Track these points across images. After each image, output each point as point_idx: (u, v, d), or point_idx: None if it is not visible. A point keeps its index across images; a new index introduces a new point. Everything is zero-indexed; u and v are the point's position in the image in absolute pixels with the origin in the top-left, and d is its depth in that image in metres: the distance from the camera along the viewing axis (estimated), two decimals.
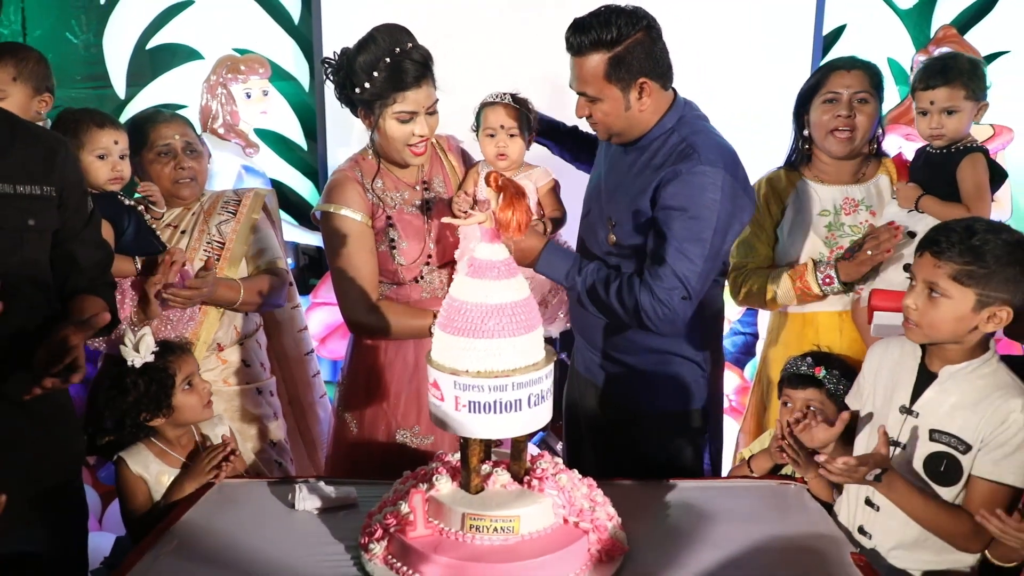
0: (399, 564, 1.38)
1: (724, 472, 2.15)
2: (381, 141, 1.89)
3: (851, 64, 2.06)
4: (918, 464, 1.49)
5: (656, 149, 1.78)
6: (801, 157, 2.15)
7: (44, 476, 1.52)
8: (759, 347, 3.18)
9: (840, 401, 1.77)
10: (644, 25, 1.72)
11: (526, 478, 1.46)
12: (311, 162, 3.41)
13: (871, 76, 2.04)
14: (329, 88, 3.17)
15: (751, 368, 3.26)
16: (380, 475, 1.87)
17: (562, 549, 1.36)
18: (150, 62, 3.30)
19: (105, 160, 1.88)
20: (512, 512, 1.37)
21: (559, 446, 2.46)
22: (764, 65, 3.21)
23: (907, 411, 1.51)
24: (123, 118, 3.31)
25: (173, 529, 1.55)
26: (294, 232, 3.24)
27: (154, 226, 1.99)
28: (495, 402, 1.36)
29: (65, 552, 1.59)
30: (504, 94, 1.96)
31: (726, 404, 3.09)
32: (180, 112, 3.24)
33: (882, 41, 3.38)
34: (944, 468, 1.46)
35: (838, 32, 3.38)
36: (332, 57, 1.87)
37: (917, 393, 1.51)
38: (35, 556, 1.50)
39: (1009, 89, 3.19)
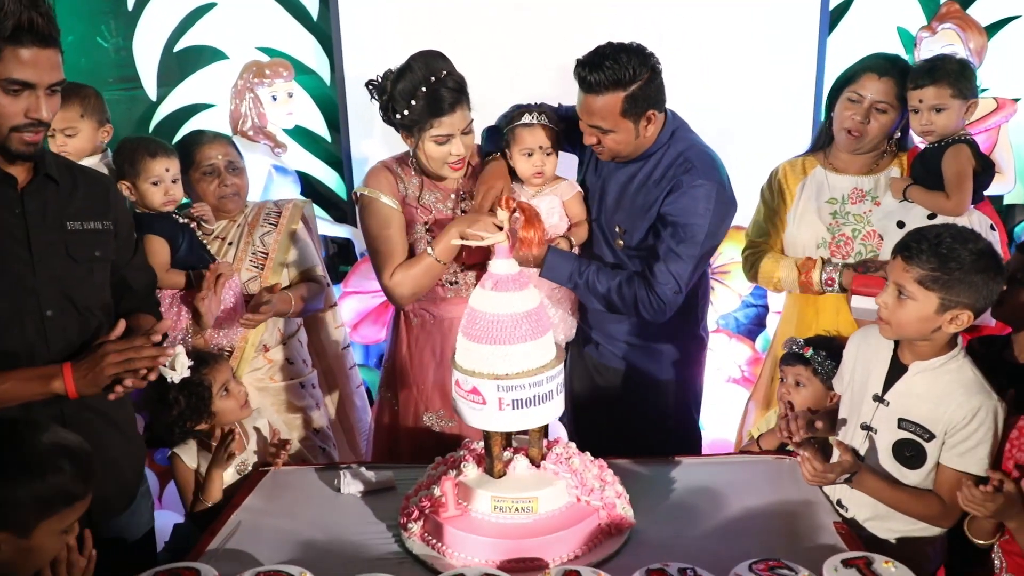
0: (434, 541, 1.58)
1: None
2: (422, 158, 2.05)
3: (886, 70, 2.09)
4: (887, 449, 1.65)
5: (655, 162, 1.98)
6: (825, 140, 2.25)
7: (123, 474, 1.74)
8: (769, 320, 3.34)
9: (825, 378, 1.96)
10: (652, 64, 1.87)
11: (543, 463, 1.65)
12: (336, 152, 3.54)
13: (901, 87, 2.07)
14: (350, 80, 3.42)
15: (762, 340, 3.41)
16: (413, 454, 2.09)
17: (575, 525, 1.56)
18: (178, 64, 3.43)
19: (159, 186, 2.07)
20: (531, 494, 1.56)
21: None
22: (769, 35, 3.24)
23: (879, 399, 1.66)
24: (156, 119, 3.49)
25: (236, 514, 1.76)
26: (322, 224, 3.40)
27: (204, 241, 2.18)
28: (535, 396, 1.58)
29: (140, 537, 1.80)
30: (539, 114, 2.02)
31: (738, 374, 3.28)
32: (209, 110, 3.44)
33: (893, 11, 3.40)
34: (910, 453, 1.62)
35: (848, 2, 3.41)
36: (376, 79, 2.01)
37: (889, 383, 1.66)
38: (118, 542, 1.71)
39: (1021, 56, 3.22)
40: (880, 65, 2.11)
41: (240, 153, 2.29)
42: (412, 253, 2.10)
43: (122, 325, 1.57)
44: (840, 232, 2.19)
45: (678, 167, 1.95)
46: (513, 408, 1.56)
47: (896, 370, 1.66)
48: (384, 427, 2.26)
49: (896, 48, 3.41)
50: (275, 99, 3.06)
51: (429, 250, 2.01)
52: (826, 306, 2.23)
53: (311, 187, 3.52)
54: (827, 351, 1.98)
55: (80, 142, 2.30)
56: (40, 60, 1.45)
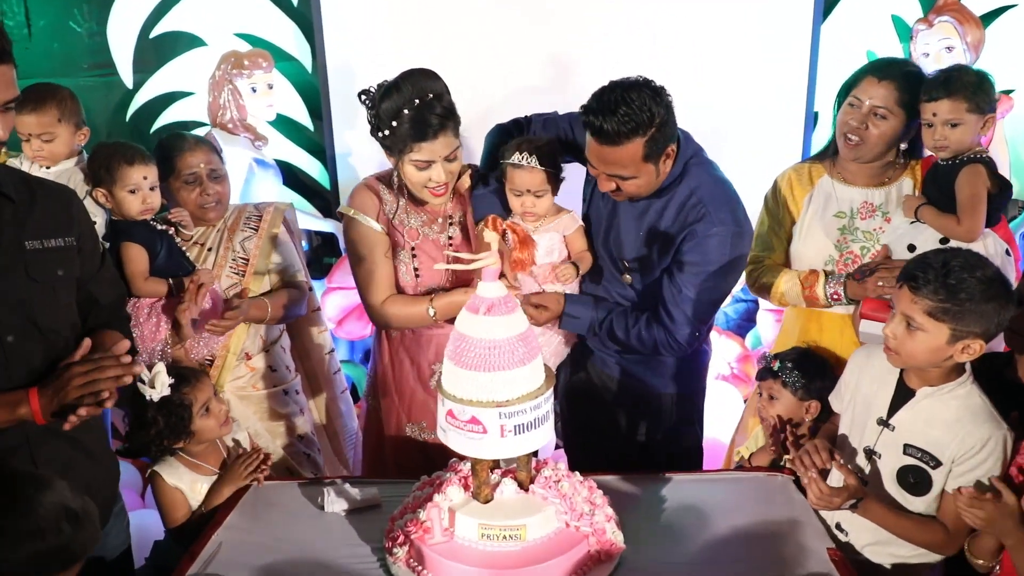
0: (420, 568, 1.55)
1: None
2: (404, 179, 1.97)
3: (886, 73, 1.98)
4: (891, 474, 1.62)
5: (667, 201, 1.91)
6: (833, 148, 2.12)
7: (95, 497, 1.67)
8: (759, 317, 3.31)
9: (794, 389, 1.95)
10: (666, 100, 1.78)
11: (531, 487, 1.62)
12: (319, 141, 3.47)
13: (903, 91, 1.95)
14: (332, 68, 3.33)
15: (752, 337, 3.39)
16: (398, 464, 2.06)
17: (564, 553, 1.53)
18: (155, 50, 3.34)
19: (136, 194, 2.00)
20: (519, 521, 1.53)
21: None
22: (762, 25, 3.18)
23: (884, 423, 1.63)
24: (133, 106, 3.40)
25: (217, 534, 1.72)
26: (306, 219, 3.33)
27: (184, 247, 2.11)
28: (534, 419, 1.54)
29: (116, 558, 1.76)
30: (529, 154, 1.91)
31: (727, 371, 3.26)
32: (188, 98, 3.34)
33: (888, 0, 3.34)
34: (915, 480, 1.59)
35: None
36: (369, 90, 1.93)
37: (894, 407, 1.62)
38: (93, 564, 1.66)
39: (1018, 46, 3.17)
40: (881, 69, 2.01)
41: (222, 158, 2.22)
42: (397, 287, 2.04)
43: (87, 344, 1.50)
44: (848, 249, 2.09)
45: (691, 211, 1.88)
46: (515, 434, 1.52)
47: (902, 394, 1.62)
48: (371, 435, 2.23)
49: (891, 38, 3.36)
50: (255, 91, 2.97)
51: (431, 310, 1.97)
52: (831, 323, 2.14)
53: (294, 178, 3.45)
54: (793, 363, 1.97)
55: (57, 147, 2.23)
56: None
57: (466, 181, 2.01)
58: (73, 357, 1.50)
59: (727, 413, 3.10)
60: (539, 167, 1.92)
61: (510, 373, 1.49)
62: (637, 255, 1.98)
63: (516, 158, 1.93)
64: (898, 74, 1.98)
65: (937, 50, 3.14)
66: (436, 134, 1.85)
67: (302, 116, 3.44)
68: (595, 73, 3.20)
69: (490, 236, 1.47)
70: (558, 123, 2.09)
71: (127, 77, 3.38)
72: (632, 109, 1.72)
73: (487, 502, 1.59)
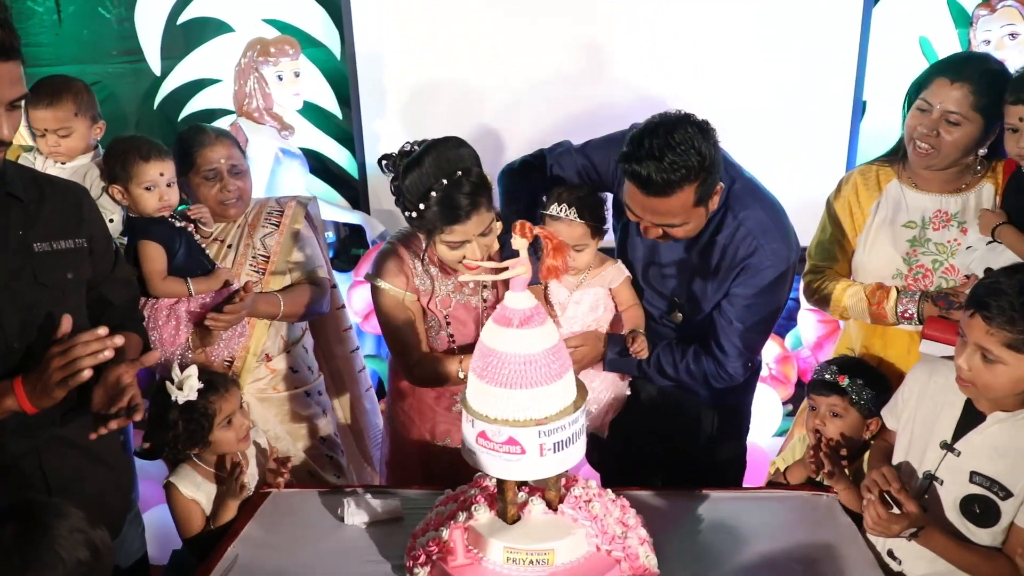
0: None
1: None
2: (436, 254, 1.84)
3: (960, 74, 1.78)
4: (954, 503, 1.50)
5: (713, 234, 1.78)
6: (903, 149, 1.94)
7: (106, 510, 1.63)
8: (800, 316, 3.17)
9: (864, 408, 1.80)
10: (711, 135, 1.63)
11: (560, 506, 1.52)
12: (347, 129, 3.40)
13: (980, 95, 1.77)
14: (361, 54, 3.25)
15: (792, 337, 3.25)
16: (424, 473, 1.98)
17: None
18: (183, 36, 3.29)
19: (152, 191, 1.92)
20: (547, 545, 1.44)
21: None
22: (810, 11, 3.03)
23: (948, 447, 1.51)
24: (160, 94, 3.36)
25: (233, 546, 1.67)
26: (334, 210, 3.26)
27: (203, 244, 2.04)
28: (572, 435, 1.44)
29: (131, 565, 1.72)
30: (567, 208, 1.78)
31: (766, 372, 3.13)
32: (215, 85, 3.29)
33: None
34: (980, 510, 1.47)
35: None
36: (391, 156, 1.79)
37: (961, 431, 1.50)
38: None
39: None
40: (954, 68, 1.81)
41: (244, 152, 2.14)
42: (430, 346, 1.96)
43: (67, 322, 1.40)
44: (918, 263, 1.91)
45: (741, 244, 1.76)
46: (555, 452, 1.42)
47: (970, 417, 1.50)
48: (393, 442, 2.15)
49: (947, 24, 3.17)
50: (281, 79, 2.90)
51: (461, 373, 1.87)
52: (897, 339, 1.98)
53: (322, 166, 3.40)
54: (863, 379, 1.82)
55: (74, 141, 2.17)
56: None
57: (496, 243, 1.85)
58: (56, 336, 1.41)
59: (764, 415, 3.01)
60: (579, 220, 1.79)
61: (548, 388, 1.39)
62: (685, 293, 1.88)
63: (555, 210, 1.81)
64: (975, 75, 1.79)
65: (999, 37, 2.95)
66: (469, 214, 1.70)
67: (330, 103, 3.37)
68: (630, 62, 3.17)
69: (519, 243, 1.37)
70: (575, 157, 1.93)
71: (155, 64, 3.34)
72: (679, 155, 1.57)
73: (514, 522, 1.50)
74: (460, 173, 1.68)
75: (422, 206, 1.69)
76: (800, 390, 3.28)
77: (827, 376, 1.86)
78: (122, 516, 1.69)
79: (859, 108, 3.20)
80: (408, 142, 1.77)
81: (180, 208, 2.06)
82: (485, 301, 1.94)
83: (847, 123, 3.22)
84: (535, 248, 1.45)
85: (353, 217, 3.26)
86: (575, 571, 1.45)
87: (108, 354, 1.38)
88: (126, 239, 1.99)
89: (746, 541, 1.65)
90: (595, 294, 1.91)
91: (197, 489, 1.80)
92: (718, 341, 1.85)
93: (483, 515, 1.51)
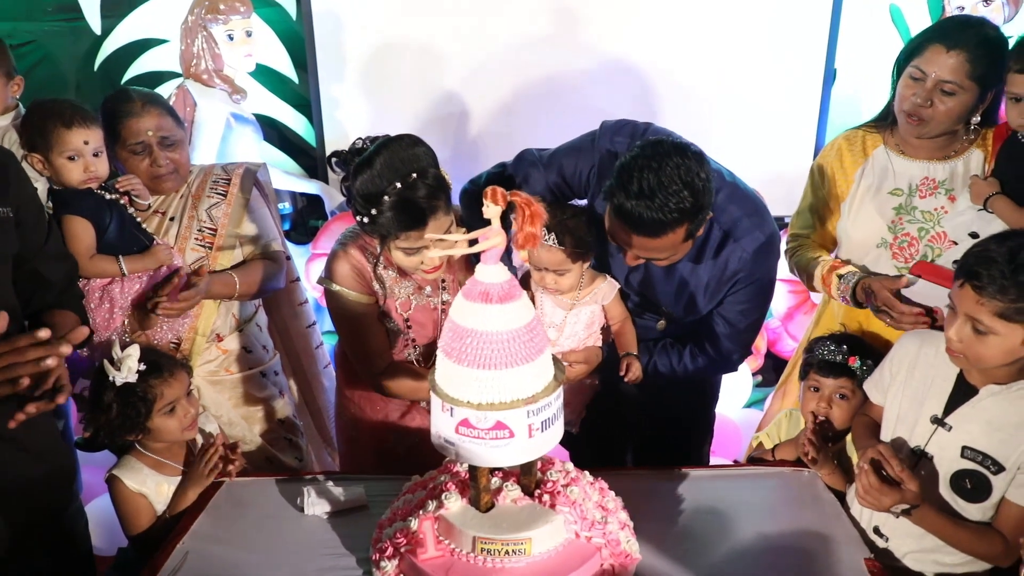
0: None
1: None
2: (392, 259, 1.71)
3: (956, 41, 1.69)
4: (944, 478, 1.45)
5: (699, 248, 1.69)
6: (892, 116, 1.87)
7: (40, 505, 1.50)
8: (778, 289, 3.11)
9: None
10: (707, 166, 1.52)
11: (536, 492, 1.43)
12: (304, 94, 3.23)
13: (975, 64, 1.68)
14: (318, 14, 3.07)
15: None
16: (377, 453, 1.87)
17: (575, 570, 1.35)
18: None
19: (76, 161, 1.73)
20: (523, 535, 1.34)
21: None
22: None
23: (939, 422, 1.45)
24: (101, 55, 3.14)
25: (183, 543, 1.54)
26: (291, 180, 3.10)
27: (139, 218, 1.86)
28: (556, 411, 1.36)
29: (70, 573, 1.59)
30: (546, 233, 1.65)
31: None
32: (162, 46, 3.07)
33: None
34: (972, 485, 1.42)
35: None
36: (341, 153, 1.63)
37: (952, 405, 1.45)
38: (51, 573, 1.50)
39: None
40: (949, 35, 1.71)
41: (179, 120, 1.94)
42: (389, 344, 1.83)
43: (2, 321, 1.25)
44: (903, 231, 1.85)
45: (732, 257, 1.69)
46: (542, 431, 1.33)
47: (962, 391, 1.44)
48: (346, 432, 2.03)
49: None
50: (231, 38, 2.71)
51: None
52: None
53: (277, 134, 3.23)
54: (872, 358, 1.74)
55: None
56: None
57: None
58: None
59: (734, 387, 2.99)
60: (558, 247, 1.68)
61: (534, 365, 1.29)
62: (675, 306, 1.80)
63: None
64: (971, 42, 1.70)
65: (973, 3, 2.90)
66: (425, 220, 1.56)
67: (286, 67, 3.19)
68: (599, 27, 3.04)
69: (492, 211, 1.25)
70: (543, 172, 1.77)
71: (95, 22, 3.12)
72: (672, 194, 1.45)
73: (488, 510, 1.40)
74: (415, 175, 1.54)
75: (374, 211, 1.54)
76: (770, 360, 3.26)
77: (837, 358, 1.78)
78: (61, 510, 1.55)
79: (830, 76, 3.14)
80: (360, 138, 1.62)
81: (111, 180, 1.86)
82: (444, 303, 1.81)
83: (818, 91, 3.16)
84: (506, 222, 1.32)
85: (311, 187, 3.10)
86: (554, 561, 1.36)
87: (51, 363, 1.25)
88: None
89: (729, 520, 1.58)
90: (591, 312, 1.82)
91: (144, 482, 1.66)
92: (715, 343, 1.80)
93: (454, 503, 1.41)
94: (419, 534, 1.37)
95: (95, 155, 1.75)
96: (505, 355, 1.27)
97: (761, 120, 3.13)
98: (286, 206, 3.20)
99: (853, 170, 1.91)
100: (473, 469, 1.38)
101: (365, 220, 1.57)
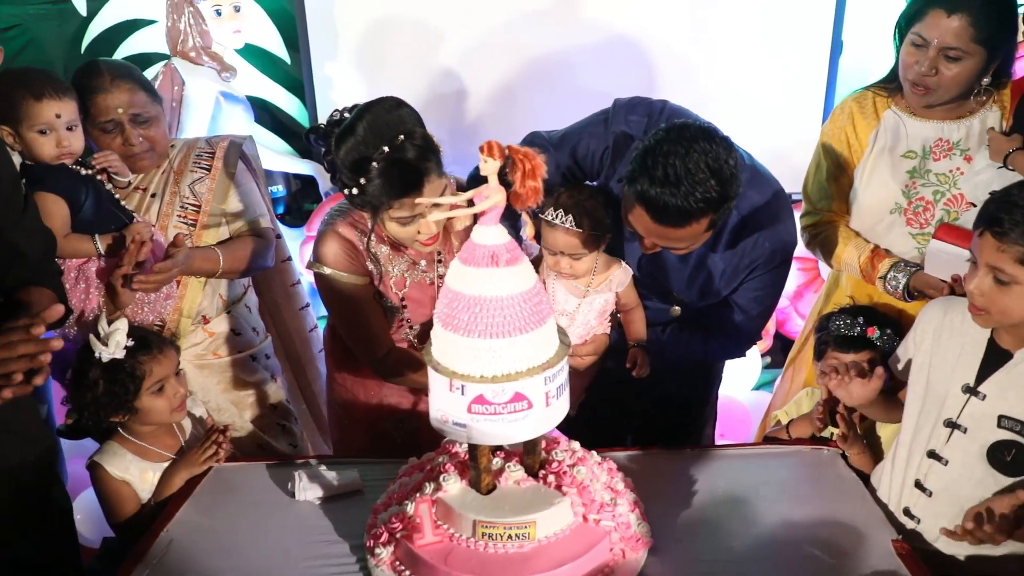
0: (408, 573, 1.29)
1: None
2: (386, 233, 1.62)
3: (956, 5, 1.60)
4: (980, 451, 1.35)
5: (718, 229, 1.57)
6: (897, 79, 1.77)
7: (20, 488, 1.42)
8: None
9: None
10: (735, 152, 1.42)
11: (541, 472, 1.35)
12: (296, 75, 3.14)
13: (979, 26, 1.59)
14: None
15: None
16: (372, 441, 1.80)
17: (583, 556, 1.26)
18: None
19: (48, 135, 1.63)
20: (527, 518, 1.26)
21: None
22: None
23: (971, 391, 1.36)
24: (87, 37, 3.05)
25: (167, 530, 1.46)
26: (283, 160, 3.02)
27: (118, 195, 1.76)
28: (567, 376, 1.29)
29: (54, 559, 1.51)
30: (564, 215, 1.59)
31: None
32: (150, 27, 2.98)
33: None
34: (1012, 457, 1.32)
35: None
36: (318, 127, 1.53)
37: (984, 372, 1.35)
38: (23, 567, 1.42)
39: None
40: None
41: (153, 94, 1.83)
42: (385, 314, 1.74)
43: None
44: (918, 195, 1.76)
45: (750, 246, 1.61)
46: (556, 397, 1.26)
47: (995, 357, 1.34)
48: (337, 417, 1.94)
49: None
50: (219, 14, 2.62)
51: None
52: None
53: (269, 115, 3.13)
54: (891, 327, 1.65)
55: None
56: None
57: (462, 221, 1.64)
58: None
59: (743, 369, 2.91)
60: (576, 229, 1.60)
61: (546, 328, 1.22)
62: (688, 291, 1.72)
63: (551, 215, 1.60)
64: (974, 4, 1.60)
65: None
66: (419, 184, 1.46)
67: (277, 47, 3.09)
68: (600, 1, 2.95)
69: (490, 167, 1.16)
70: (553, 155, 1.65)
71: (80, 3, 3.02)
72: (698, 183, 1.36)
73: (489, 492, 1.31)
74: (402, 137, 1.44)
75: (363, 180, 1.44)
76: (779, 342, 3.17)
77: (855, 331, 1.68)
78: (43, 492, 1.48)
79: (838, 48, 3.04)
80: (337, 109, 1.52)
81: (88, 156, 1.76)
82: (441, 277, 1.72)
83: (824, 65, 3.06)
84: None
85: (304, 167, 3.01)
86: (559, 545, 1.27)
87: (45, 359, 1.18)
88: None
89: (745, 502, 1.49)
90: (604, 300, 1.74)
91: (127, 469, 1.58)
92: (727, 329, 1.73)
93: (453, 485, 1.32)
94: (416, 518, 1.29)
95: (68, 129, 1.65)
96: (519, 320, 1.19)
97: (766, 96, 3.03)
98: (280, 189, 3.11)
99: (866, 134, 1.82)
100: (473, 448, 1.29)
101: (354, 192, 1.47)
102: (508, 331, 1.19)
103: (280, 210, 3.13)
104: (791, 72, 3.02)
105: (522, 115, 2.91)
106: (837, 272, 2.00)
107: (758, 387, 3.08)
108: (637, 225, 1.49)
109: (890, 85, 1.82)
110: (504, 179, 1.19)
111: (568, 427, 2.05)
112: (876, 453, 1.62)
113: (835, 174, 1.87)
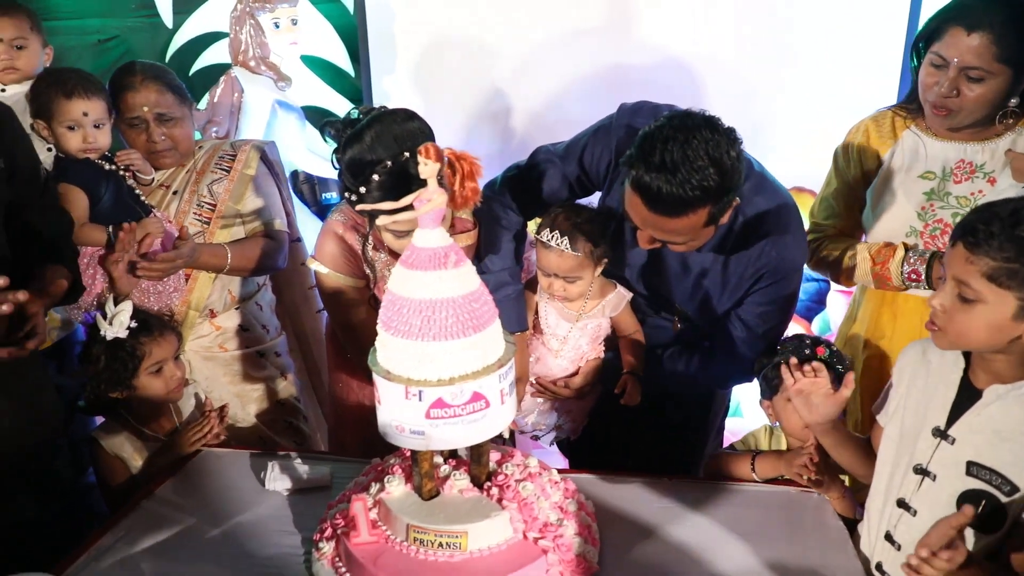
0: (344, 570, 1.30)
1: None
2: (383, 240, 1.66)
3: (976, 22, 1.50)
4: (949, 500, 1.22)
5: (721, 234, 1.54)
6: (917, 101, 1.68)
7: (25, 448, 1.52)
8: (830, 299, 2.87)
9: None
10: (738, 145, 1.37)
11: (486, 484, 1.33)
12: (357, 86, 3.25)
13: (1002, 44, 1.50)
14: (371, 7, 3.09)
15: (821, 321, 2.94)
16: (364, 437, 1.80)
17: (514, 572, 1.23)
18: None
19: (75, 131, 1.77)
20: (459, 528, 1.24)
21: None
22: None
23: (941, 434, 1.24)
24: (171, 48, 3.28)
25: (143, 504, 1.53)
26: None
27: (140, 192, 1.88)
28: (515, 373, 1.33)
29: (60, 516, 1.60)
30: (559, 237, 1.58)
31: None
32: (225, 39, 3.17)
33: None
34: (983, 511, 1.18)
35: None
36: (334, 122, 1.57)
37: (955, 414, 1.23)
38: (27, 525, 1.52)
39: None
40: (968, 15, 1.52)
41: (184, 96, 1.95)
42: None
43: None
44: (935, 218, 1.64)
45: (758, 256, 1.55)
46: (509, 393, 1.27)
47: (966, 396, 1.22)
48: (334, 407, 1.99)
49: None
50: (277, 26, 2.76)
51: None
52: (907, 308, 1.73)
53: None
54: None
55: (30, 57, 2.05)
56: None
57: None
58: None
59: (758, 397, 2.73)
60: (571, 252, 1.58)
61: (495, 325, 1.24)
62: (690, 303, 1.67)
63: (546, 236, 1.59)
64: (995, 21, 1.50)
65: None
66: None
67: (343, 60, 3.22)
68: (655, 19, 2.90)
69: (428, 169, 1.16)
70: (559, 166, 1.65)
71: (167, 17, 3.26)
72: (696, 170, 1.32)
73: (431, 498, 1.31)
74: (408, 155, 1.44)
75: (362, 189, 1.46)
76: None
77: (804, 352, 1.53)
78: (47, 461, 1.58)
79: (906, 77, 2.86)
80: (355, 107, 1.55)
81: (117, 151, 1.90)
82: None
83: (892, 95, 2.88)
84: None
85: None
86: (492, 559, 1.25)
87: (5, 308, 1.29)
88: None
89: (716, 545, 1.40)
90: (598, 325, 1.72)
91: (121, 447, 1.68)
92: (730, 349, 1.65)
93: (396, 488, 1.32)
94: (353, 516, 1.30)
95: (96, 127, 1.78)
96: (473, 319, 1.19)
97: (824, 127, 2.88)
98: (333, 196, 3.23)
99: (882, 152, 1.72)
100: (415, 453, 1.29)
101: (353, 197, 1.50)
102: (463, 331, 1.19)
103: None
104: (856, 98, 2.86)
105: (572, 131, 2.90)
106: (853, 294, 1.88)
107: None
108: (633, 214, 1.46)
109: (911, 106, 1.72)
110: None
111: (570, 449, 2.03)
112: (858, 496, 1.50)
113: (843, 191, 1.79)
